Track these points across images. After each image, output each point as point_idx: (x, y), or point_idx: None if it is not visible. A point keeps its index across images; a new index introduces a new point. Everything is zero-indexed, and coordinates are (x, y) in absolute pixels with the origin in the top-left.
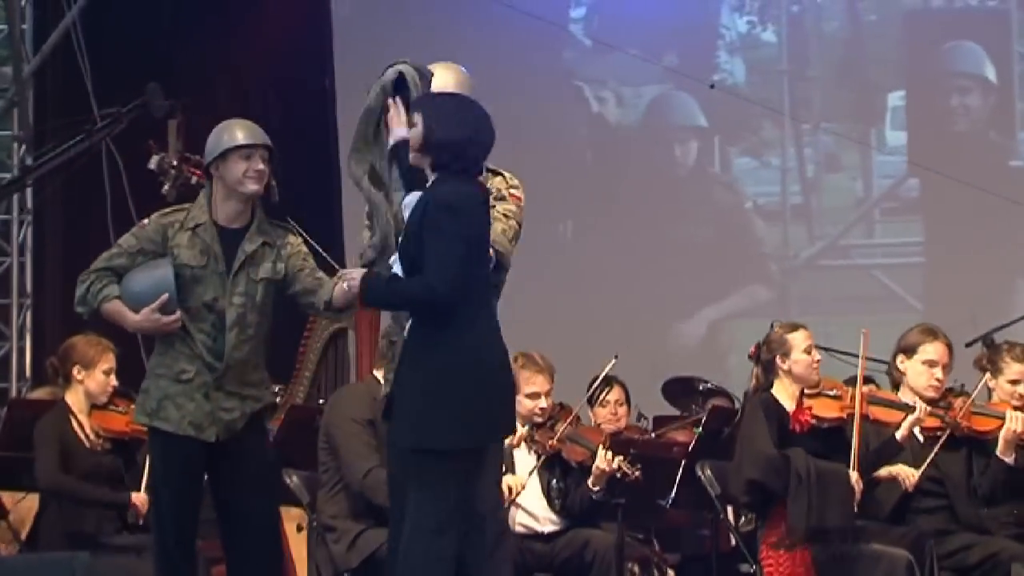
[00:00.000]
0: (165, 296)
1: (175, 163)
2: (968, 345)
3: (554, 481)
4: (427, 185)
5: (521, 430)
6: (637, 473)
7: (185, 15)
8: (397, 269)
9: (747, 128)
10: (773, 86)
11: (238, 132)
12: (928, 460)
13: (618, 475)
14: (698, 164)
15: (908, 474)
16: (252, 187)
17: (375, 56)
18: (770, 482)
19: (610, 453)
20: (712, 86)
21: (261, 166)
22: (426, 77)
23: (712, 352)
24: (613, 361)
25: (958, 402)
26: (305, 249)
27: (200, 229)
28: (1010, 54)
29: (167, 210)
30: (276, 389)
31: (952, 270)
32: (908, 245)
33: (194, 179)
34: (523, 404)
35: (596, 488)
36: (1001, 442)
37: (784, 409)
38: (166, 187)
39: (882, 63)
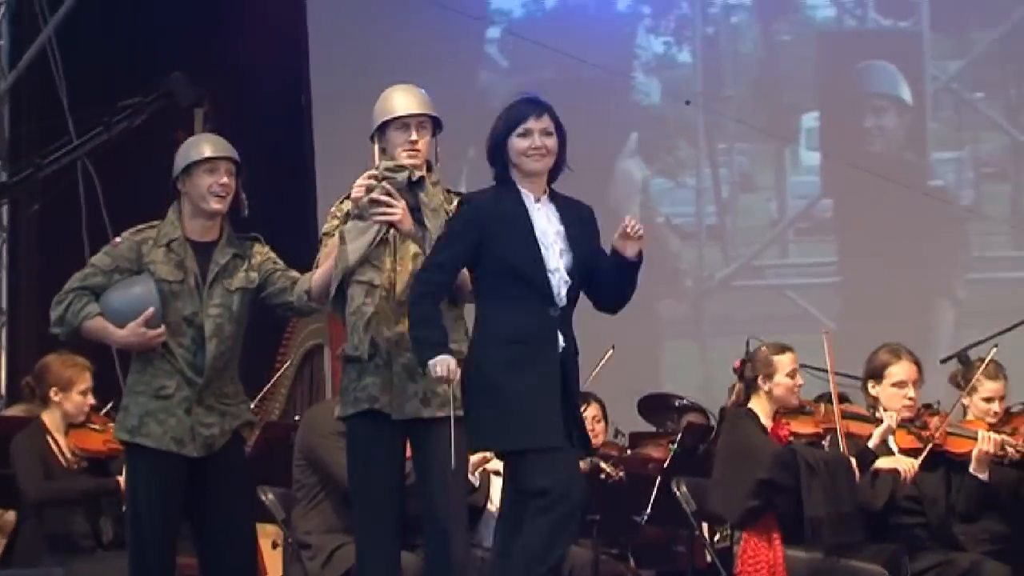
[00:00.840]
0: (151, 310)
1: None
2: (943, 362)
3: None
4: (553, 196)
5: None
6: (621, 474)
7: (159, 31)
8: (563, 280)
9: (662, 148)
10: (688, 106)
11: (204, 146)
12: (918, 463)
13: (602, 476)
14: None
15: (909, 465)
16: (215, 205)
17: (351, 72)
18: (781, 478)
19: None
20: (688, 102)
21: (226, 180)
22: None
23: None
24: (610, 352)
25: (933, 421)
26: (272, 255)
27: (174, 244)
28: (923, 75)
29: (139, 228)
30: (252, 405)
31: (866, 290)
32: (822, 265)
33: None
34: None
35: None
36: (974, 460)
37: (763, 425)
38: None
39: (796, 83)
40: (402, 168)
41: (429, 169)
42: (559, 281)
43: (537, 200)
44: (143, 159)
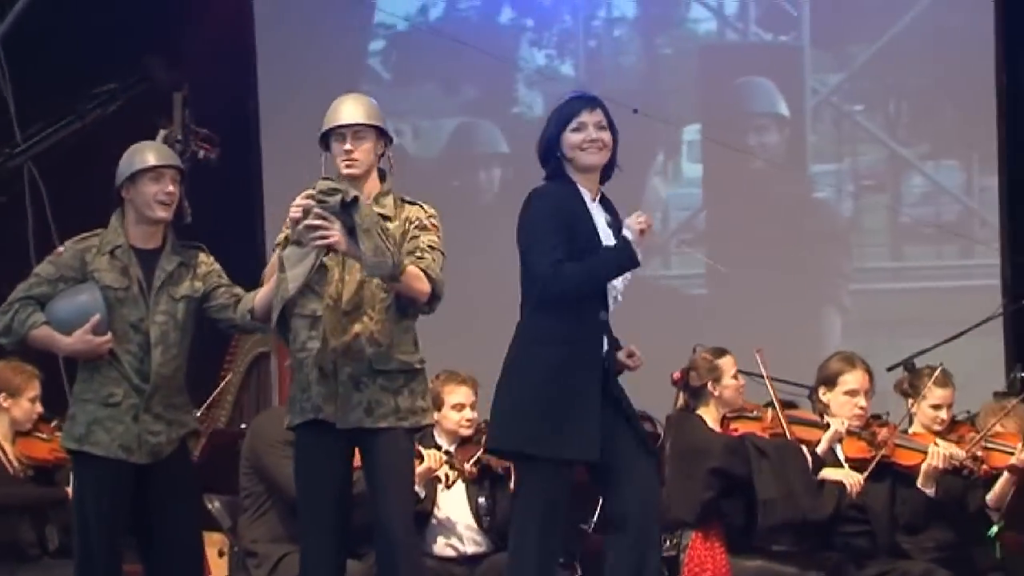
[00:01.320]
0: (97, 317)
1: (180, 137)
2: (889, 369)
3: (482, 499)
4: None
5: (438, 454)
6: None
7: (107, 40)
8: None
9: None
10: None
11: (148, 154)
12: (863, 477)
13: None
14: (503, 191)
15: (855, 480)
16: (161, 213)
17: (299, 79)
18: (732, 465)
19: None
20: (635, 111)
21: (171, 188)
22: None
23: None
24: None
25: (882, 432)
26: (218, 267)
27: (118, 251)
28: (803, 89)
29: (81, 236)
30: (198, 413)
31: (749, 302)
32: (704, 276)
33: (202, 153)
34: (448, 418)
35: None
36: (921, 475)
37: (711, 429)
38: None
39: (679, 96)
40: (335, 191)
41: (383, 179)
42: (620, 284)
43: (593, 199)
44: (91, 163)
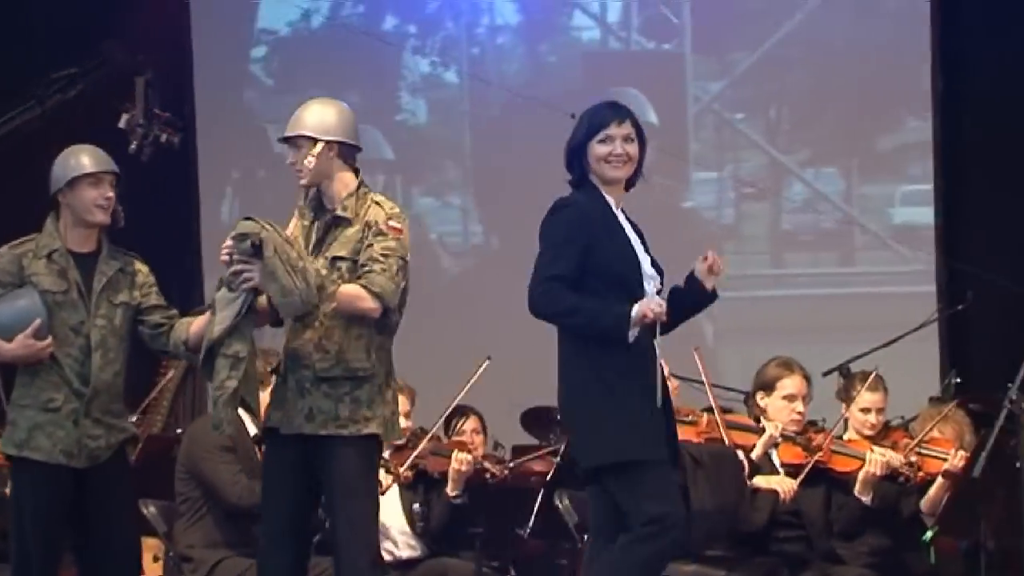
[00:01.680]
0: (38, 321)
1: (143, 121)
2: (825, 375)
3: (416, 505)
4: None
5: None
6: (505, 471)
7: (44, 39)
8: (655, 288)
9: (429, 167)
10: (454, 126)
11: (85, 159)
12: (797, 483)
13: (487, 476)
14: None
15: (788, 487)
16: (100, 217)
17: (235, 84)
18: None
19: (467, 455)
20: (573, 115)
21: (111, 193)
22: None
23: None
24: (485, 363)
25: (818, 438)
26: (153, 279)
27: (55, 255)
28: (685, 96)
29: (16, 242)
30: (133, 419)
31: None
32: None
33: (164, 137)
34: None
35: (454, 493)
36: (859, 483)
37: None
38: (133, 145)
39: (562, 104)
40: (244, 237)
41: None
42: (652, 290)
43: (617, 206)
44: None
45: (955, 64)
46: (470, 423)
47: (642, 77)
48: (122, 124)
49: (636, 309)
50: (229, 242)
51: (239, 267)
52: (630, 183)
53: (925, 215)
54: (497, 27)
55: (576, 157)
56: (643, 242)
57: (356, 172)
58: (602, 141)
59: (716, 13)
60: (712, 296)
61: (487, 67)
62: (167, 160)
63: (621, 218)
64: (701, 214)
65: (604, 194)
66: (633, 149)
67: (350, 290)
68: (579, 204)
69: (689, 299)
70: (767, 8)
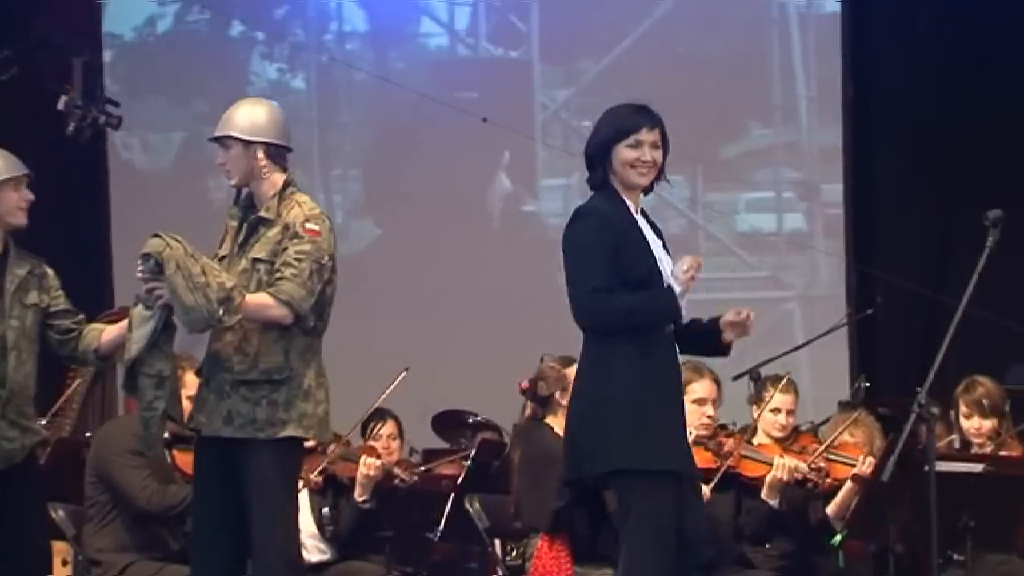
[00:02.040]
0: None
1: (80, 103)
2: (735, 379)
3: (325, 509)
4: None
5: None
6: (415, 478)
7: None
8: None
9: None
10: (303, 132)
11: (1, 163)
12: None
13: (396, 482)
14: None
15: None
16: (23, 219)
17: (150, 88)
18: None
19: (375, 460)
20: (485, 119)
21: (31, 196)
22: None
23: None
24: (403, 374)
25: (729, 442)
26: (59, 283)
27: None
28: (532, 103)
29: None
30: (43, 422)
31: (467, 315)
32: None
33: (102, 119)
34: None
35: (362, 498)
36: (767, 487)
37: (559, 436)
38: (71, 127)
39: (410, 111)
40: (148, 256)
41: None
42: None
43: (636, 211)
44: None
45: (864, 70)
46: (387, 427)
47: (490, 83)
48: (60, 105)
49: (674, 284)
50: (139, 261)
51: (150, 285)
52: (648, 188)
53: (768, 221)
54: (346, 34)
55: (599, 157)
56: (663, 244)
57: (285, 171)
58: (631, 146)
59: (564, 21)
60: (725, 350)
61: (335, 74)
62: (75, 158)
63: (641, 222)
64: (548, 220)
65: (624, 199)
66: (659, 156)
67: (257, 300)
68: (601, 211)
69: (704, 341)
70: (614, 17)
